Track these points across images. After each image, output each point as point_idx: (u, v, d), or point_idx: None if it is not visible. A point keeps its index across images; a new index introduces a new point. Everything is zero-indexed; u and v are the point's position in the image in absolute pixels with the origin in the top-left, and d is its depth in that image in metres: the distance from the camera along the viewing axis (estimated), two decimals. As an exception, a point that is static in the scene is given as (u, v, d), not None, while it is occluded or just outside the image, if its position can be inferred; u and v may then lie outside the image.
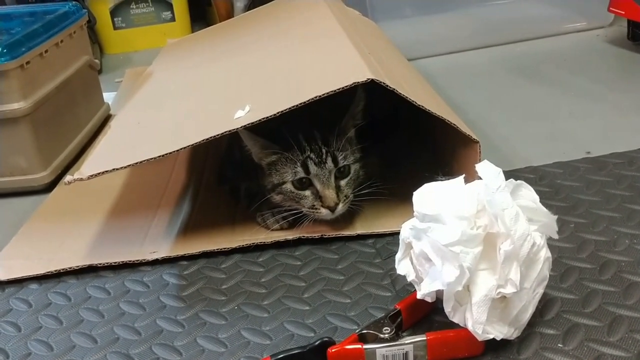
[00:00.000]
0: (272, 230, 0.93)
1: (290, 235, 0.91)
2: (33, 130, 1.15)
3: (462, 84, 1.50)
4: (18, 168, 1.17)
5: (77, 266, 0.90)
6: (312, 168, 0.87)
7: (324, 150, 0.87)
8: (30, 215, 1.08)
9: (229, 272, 0.87)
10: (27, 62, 1.14)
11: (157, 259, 0.91)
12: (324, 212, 0.88)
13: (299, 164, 0.88)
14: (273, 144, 0.88)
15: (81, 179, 0.84)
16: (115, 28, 2.11)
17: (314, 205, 0.89)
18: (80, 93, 1.37)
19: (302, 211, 0.90)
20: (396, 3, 1.86)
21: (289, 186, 0.89)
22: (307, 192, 0.89)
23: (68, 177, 0.85)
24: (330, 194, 0.87)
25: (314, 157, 0.87)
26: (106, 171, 0.84)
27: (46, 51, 1.20)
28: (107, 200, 1.11)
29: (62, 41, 1.27)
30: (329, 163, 0.88)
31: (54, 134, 1.23)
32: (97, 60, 1.47)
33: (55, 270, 0.90)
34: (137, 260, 0.91)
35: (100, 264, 0.90)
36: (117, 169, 0.84)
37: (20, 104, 1.12)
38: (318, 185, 0.88)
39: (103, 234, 1.00)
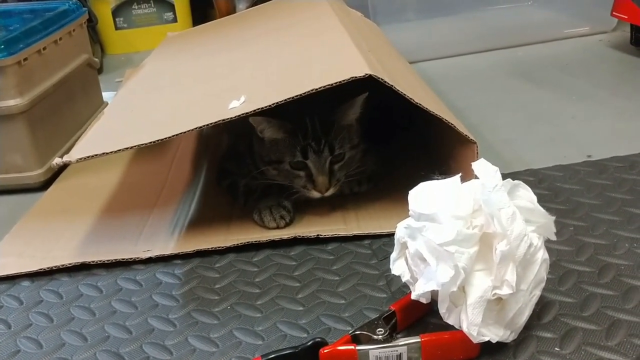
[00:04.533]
0: (269, 228, 0.92)
1: (285, 234, 0.90)
2: (29, 127, 1.15)
3: (465, 87, 1.49)
4: (14, 165, 1.16)
5: (70, 264, 0.89)
6: (311, 155, 0.91)
7: (323, 140, 0.90)
8: (25, 212, 1.07)
9: (223, 272, 0.86)
10: (25, 59, 1.13)
11: (150, 258, 0.90)
12: (315, 194, 0.93)
13: (299, 148, 0.90)
14: (287, 124, 0.90)
15: (70, 162, 0.83)
16: (116, 28, 2.11)
17: (306, 186, 0.93)
18: (79, 91, 1.36)
19: (294, 187, 0.94)
20: (398, 7, 1.86)
21: (285, 165, 0.92)
22: (302, 173, 0.92)
23: (57, 160, 0.84)
24: (323, 180, 0.91)
25: (314, 145, 0.90)
26: (96, 155, 0.82)
27: (44, 48, 1.20)
28: (103, 199, 1.10)
29: (61, 39, 1.26)
30: (326, 152, 0.91)
31: (51, 132, 1.22)
32: (96, 59, 1.46)
33: (48, 268, 0.89)
34: (131, 259, 0.90)
35: (93, 261, 0.89)
36: (107, 153, 0.83)
37: (17, 100, 1.12)
38: (313, 170, 0.91)
39: (98, 232, 1.00)
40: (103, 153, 0.83)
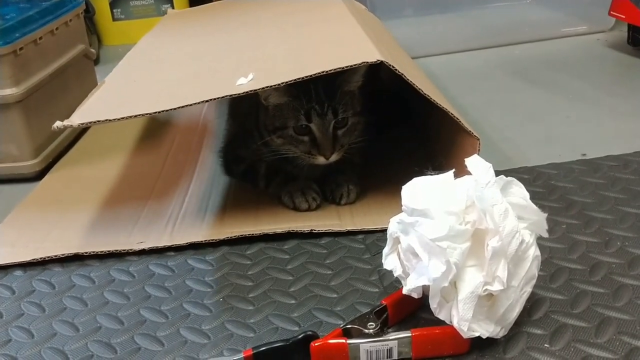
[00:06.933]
0: (300, 209, 0.94)
1: (279, 228, 0.90)
2: (25, 117, 1.14)
3: (461, 84, 1.48)
4: (9, 155, 1.16)
5: (63, 254, 0.89)
6: (314, 118, 0.91)
7: (326, 104, 0.90)
8: (19, 202, 1.07)
9: (216, 264, 0.86)
10: (21, 48, 1.13)
11: (144, 249, 0.90)
12: (320, 159, 0.93)
13: (302, 112, 0.90)
14: (292, 88, 0.90)
15: (71, 126, 0.81)
16: (114, 19, 2.10)
17: (310, 151, 0.93)
18: (75, 82, 1.36)
19: (298, 155, 0.94)
20: (397, 3, 1.85)
21: (290, 131, 0.93)
22: (306, 138, 0.93)
23: (58, 123, 0.82)
24: (327, 143, 0.91)
25: (317, 108, 0.90)
26: (98, 121, 0.81)
27: (40, 38, 1.19)
28: (98, 190, 1.09)
29: (57, 29, 1.26)
30: (330, 115, 0.91)
31: (46, 122, 1.20)
32: (93, 50, 1.46)
33: (41, 258, 0.89)
34: (124, 250, 0.90)
35: (86, 252, 0.89)
36: (110, 120, 0.81)
37: (12, 90, 1.12)
38: (317, 134, 0.92)
39: (91, 223, 0.99)
40: (106, 120, 0.81)
